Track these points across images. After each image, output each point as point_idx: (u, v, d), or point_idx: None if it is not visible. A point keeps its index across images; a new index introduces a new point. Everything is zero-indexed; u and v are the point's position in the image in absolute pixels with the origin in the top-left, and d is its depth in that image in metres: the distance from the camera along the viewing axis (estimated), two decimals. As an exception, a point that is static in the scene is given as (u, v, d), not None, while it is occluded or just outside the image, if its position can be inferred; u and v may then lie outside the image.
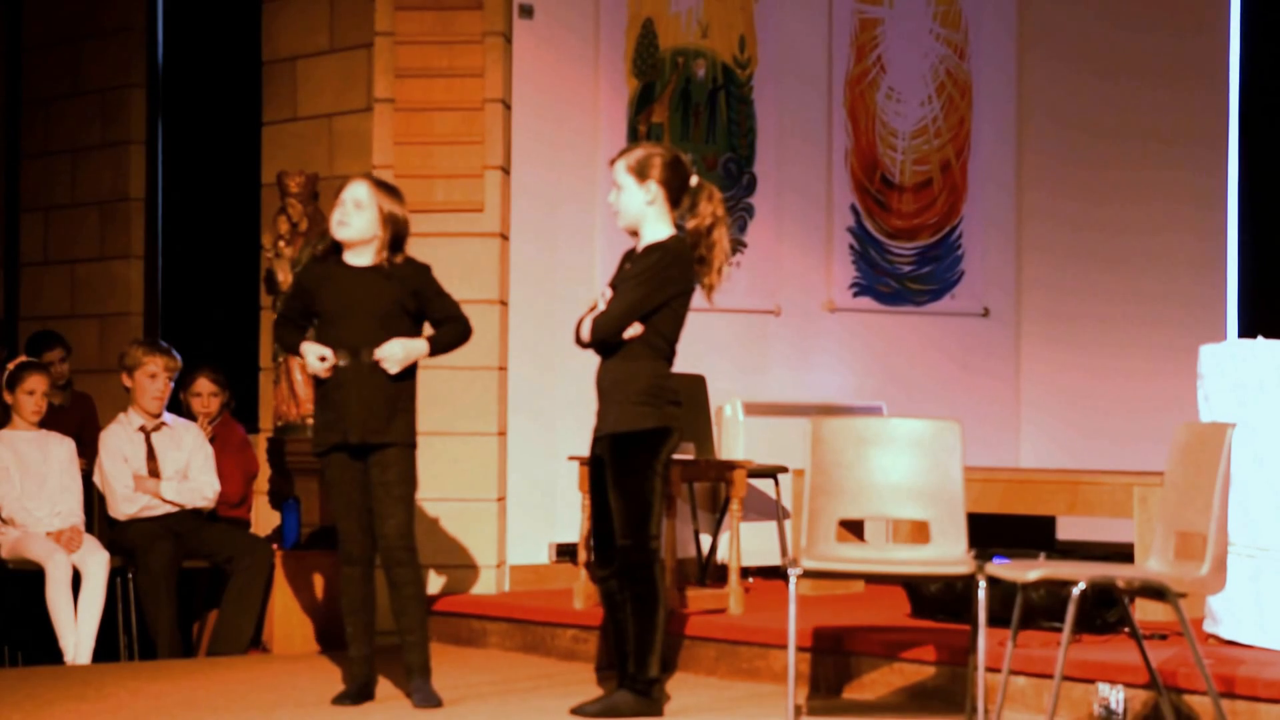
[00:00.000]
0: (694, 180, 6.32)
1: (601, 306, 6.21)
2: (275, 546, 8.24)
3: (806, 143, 9.72)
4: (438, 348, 6.61)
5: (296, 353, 6.70)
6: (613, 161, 6.35)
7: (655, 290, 6.15)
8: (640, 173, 6.25)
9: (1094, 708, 6.00)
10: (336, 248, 6.62)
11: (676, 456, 7.41)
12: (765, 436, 8.97)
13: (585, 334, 6.22)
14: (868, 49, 9.94)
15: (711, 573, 8.62)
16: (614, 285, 6.31)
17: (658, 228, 6.26)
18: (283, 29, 8.98)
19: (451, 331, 6.64)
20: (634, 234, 6.34)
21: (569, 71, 8.90)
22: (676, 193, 6.28)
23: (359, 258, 6.59)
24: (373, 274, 6.57)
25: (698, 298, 6.33)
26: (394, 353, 6.47)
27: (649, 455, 6.18)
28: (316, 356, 6.50)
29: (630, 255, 6.36)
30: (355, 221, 6.55)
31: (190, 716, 6.31)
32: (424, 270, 6.64)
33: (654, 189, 6.23)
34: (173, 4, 10.27)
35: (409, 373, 6.59)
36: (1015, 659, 5.88)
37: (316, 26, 8.84)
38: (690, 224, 6.28)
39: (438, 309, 6.61)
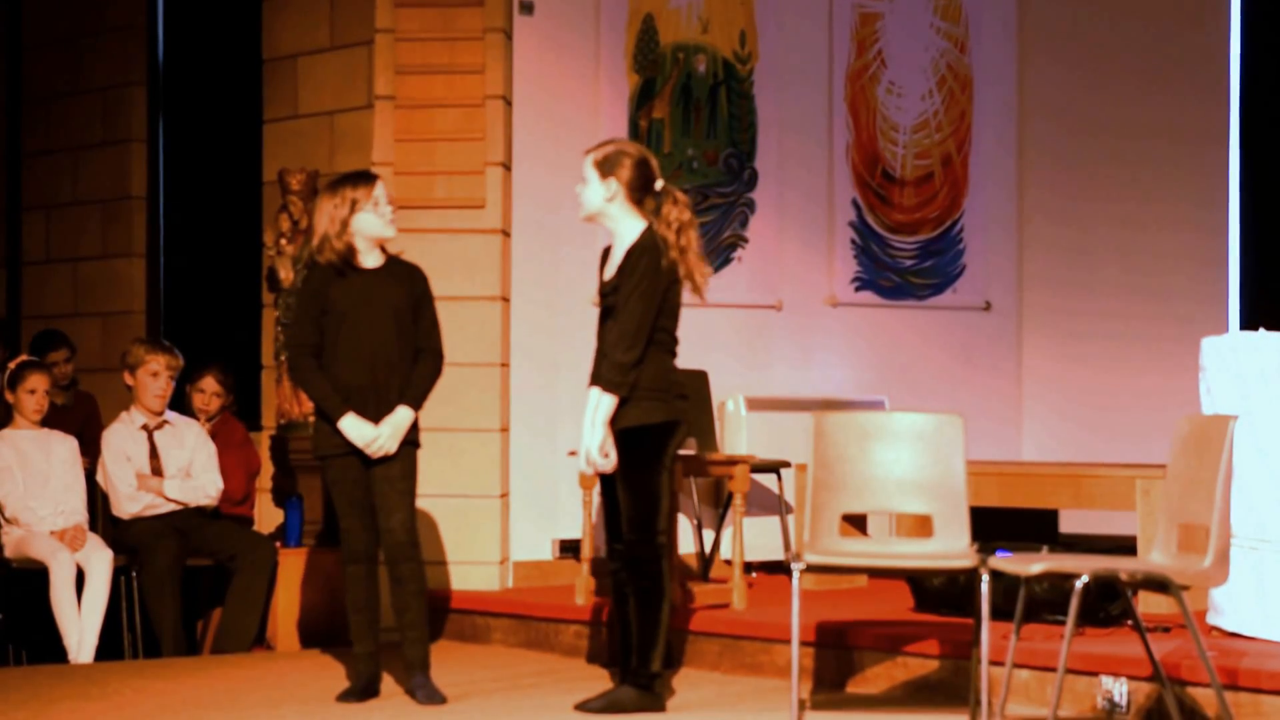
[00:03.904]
0: (659, 184, 6.33)
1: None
2: (278, 544, 8.24)
3: (807, 138, 9.72)
4: (419, 403, 6.58)
5: (330, 414, 6.49)
6: (586, 153, 6.39)
7: (654, 295, 6.16)
8: (605, 169, 6.29)
9: (1098, 700, 6.00)
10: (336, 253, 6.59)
11: (679, 452, 7.42)
12: (768, 431, 8.97)
13: (618, 376, 6.14)
14: (868, 43, 9.94)
15: (714, 568, 8.62)
16: (604, 293, 6.30)
17: (630, 223, 6.29)
18: (283, 26, 8.99)
19: (427, 374, 6.60)
20: (592, 223, 6.41)
21: (570, 67, 8.91)
22: (638, 193, 6.30)
23: (372, 258, 6.58)
24: (383, 273, 6.59)
25: (690, 293, 6.34)
26: (386, 444, 6.48)
27: (657, 449, 6.20)
28: (362, 439, 6.46)
29: (607, 254, 6.38)
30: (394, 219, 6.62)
31: (194, 714, 6.32)
32: (424, 280, 6.65)
33: (614, 187, 6.26)
34: (173, 2, 10.28)
35: None
36: (1018, 652, 5.88)
37: (317, 24, 8.84)
38: (659, 229, 6.27)
39: (422, 334, 6.60)
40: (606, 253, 6.40)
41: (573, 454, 6.37)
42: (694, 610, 7.45)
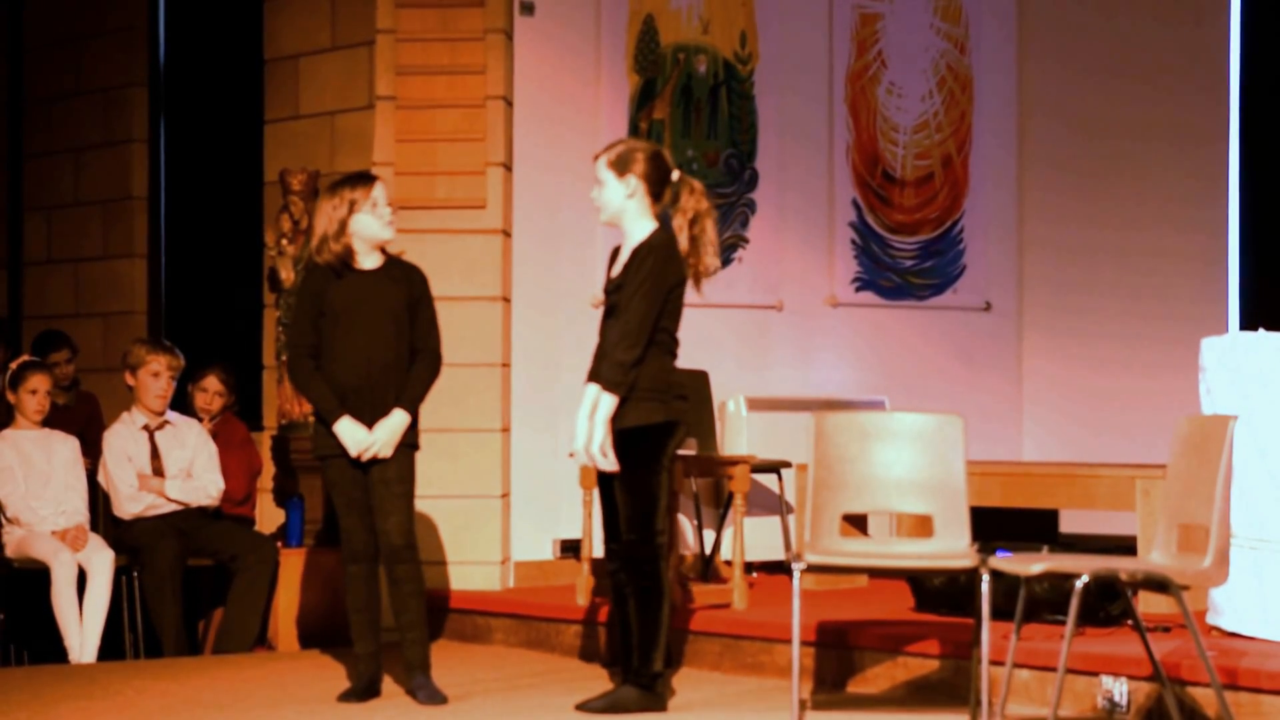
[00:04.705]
0: (675, 174, 6.35)
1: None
2: (280, 544, 8.25)
3: (808, 138, 9.73)
4: (415, 405, 6.57)
5: (326, 418, 6.49)
6: (596, 157, 6.38)
7: (658, 295, 6.16)
8: (620, 168, 6.28)
9: (1098, 700, 6.01)
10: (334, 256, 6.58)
11: (680, 452, 7.42)
12: (768, 431, 8.98)
13: (618, 375, 6.14)
14: (868, 44, 9.94)
15: (715, 568, 8.63)
16: (608, 291, 6.31)
17: (642, 224, 6.29)
18: (284, 27, 9.00)
19: (424, 375, 6.59)
20: (614, 226, 6.39)
21: (570, 68, 8.92)
22: (657, 187, 6.30)
23: (371, 260, 6.58)
24: (381, 274, 6.58)
25: (691, 293, 6.35)
26: (385, 450, 6.47)
27: (656, 450, 6.20)
28: (356, 445, 6.45)
29: (616, 254, 6.39)
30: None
31: (196, 714, 6.33)
32: (423, 280, 6.64)
33: (634, 183, 6.26)
34: (175, 3, 10.28)
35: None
36: (1019, 652, 5.89)
37: (318, 24, 8.85)
38: (674, 220, 6.30)
39: (419, 335, 6.59)
40: (615, 252, 6.41)
41: (574, 455, 6.36)
42: (695, 610, 7.46)
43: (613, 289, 6.29)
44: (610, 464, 6.15)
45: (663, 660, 6.24)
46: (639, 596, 6.22)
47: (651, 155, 6.32)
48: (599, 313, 6.44)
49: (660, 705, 6.21)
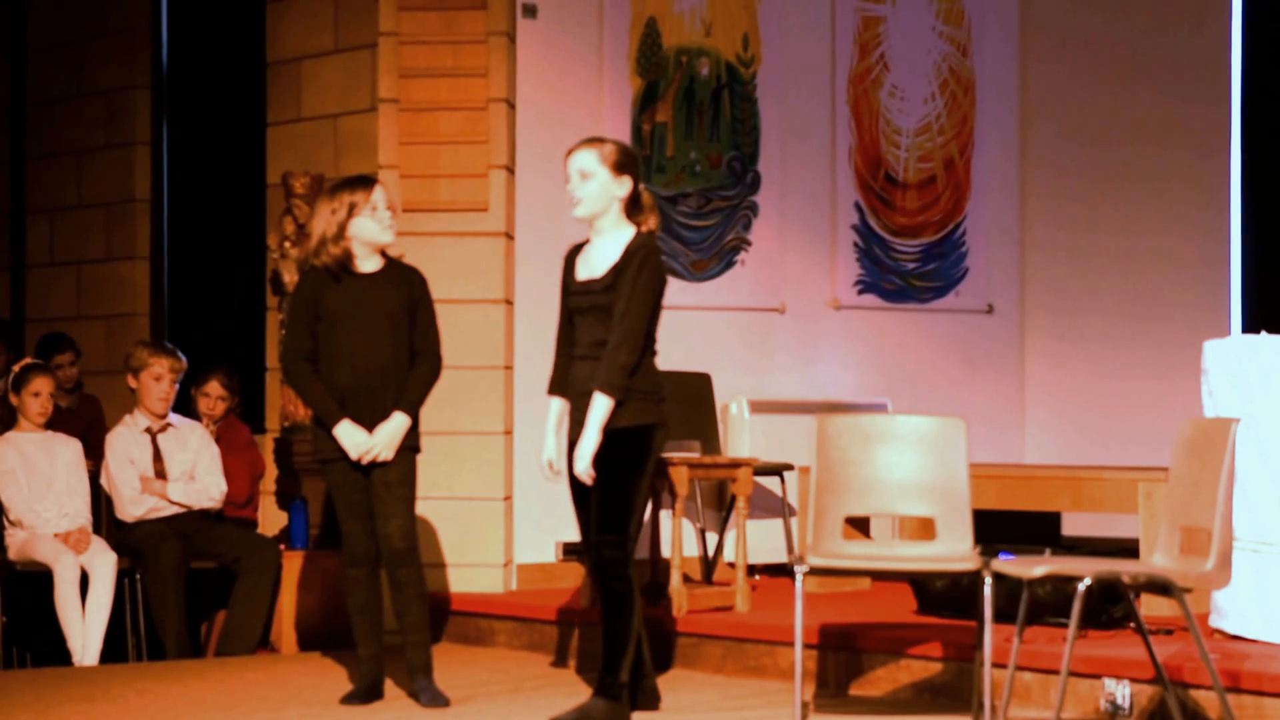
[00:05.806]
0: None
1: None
2: (282, 546, 8.25)
3: (810, 141, 9.73)
4: (415, 408, 6.56)
5: (325, 421, 6.48)
6: (575, 151, 6.20)
7: (654, 297, 6.11)
8: (621, 167, 6.15)
9: (1100, 703, 6.01)
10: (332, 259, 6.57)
11: (682, 454, 7.43)
12: (771, 434, 8.98)
13: (619, 379, 6.06)
14: (871, 47, 9.95)
15: (718, 571, 8.63)
16: (588, 291, 6.19)
17: (625, 224, 6.20)
18: (287, 30, 9.00)
19: (423, 378, 6.58)
20: (587, 221, 6.23)
21: (573, 71, 8.92)
22: (636, 193, 6.25)
23: (371, 263, 6.57)
24: (379, 277, 6.57)
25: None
26: (386, 454, 6.47)
27: (645, 451, 6.11)
28: (356, 448, 6.45)
29: (577, 253, 6.30)
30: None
31: (198, 717, 6.33)
32: (423, 282, 6.63)
33: (628, 185, 6.16)
34: (177, 5, 10.29)
35: None
36: (1021, 655, 5.89)
37: (321, 27, 8.85)
38: (643, 228, 6.23)
39: (418, 337, 6.58)
40: (575, 252, 6.33)
41: (552, 467, 6.30)
42: (696, 613, 7.45)
43: (599, 289, 6.15)
44: (587, 474, 6.09)
45: (629, 670, 6.09)
46: (613, 599, 6.06)
47: (637, 158, 6.31)
48: (562, 315, 6.37)
49: (627, 715, 6.04)
